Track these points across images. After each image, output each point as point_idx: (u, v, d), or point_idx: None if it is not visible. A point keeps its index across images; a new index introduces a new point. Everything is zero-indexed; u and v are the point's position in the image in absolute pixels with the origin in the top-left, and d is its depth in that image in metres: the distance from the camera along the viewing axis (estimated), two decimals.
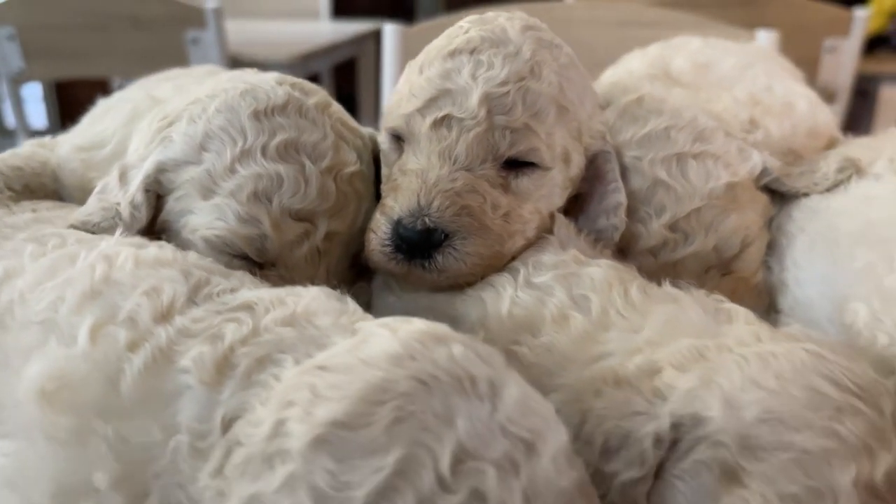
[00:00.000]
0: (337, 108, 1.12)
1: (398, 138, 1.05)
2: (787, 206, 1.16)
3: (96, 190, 1.10)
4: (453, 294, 1.00)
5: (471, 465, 0.60)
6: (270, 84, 1.07)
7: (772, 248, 1.15)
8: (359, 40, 4.05)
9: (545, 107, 1.00)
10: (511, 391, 0.67)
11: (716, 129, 1.15)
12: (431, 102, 1.00)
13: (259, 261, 1.01)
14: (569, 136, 1.05)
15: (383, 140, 1.08)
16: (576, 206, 1.13)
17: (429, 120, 0.99)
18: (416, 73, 1.04)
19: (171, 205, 1.05)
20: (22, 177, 1.16)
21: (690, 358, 0.80)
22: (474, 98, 0.98)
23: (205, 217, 1.01)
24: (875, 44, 4.79)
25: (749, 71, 1.38)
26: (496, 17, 1.06)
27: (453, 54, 1.01)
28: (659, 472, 0.75)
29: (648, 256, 1.09)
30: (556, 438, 0.66)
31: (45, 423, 0.72)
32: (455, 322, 0.92)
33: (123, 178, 1.07)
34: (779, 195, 1.19)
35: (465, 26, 1.05)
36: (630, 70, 1.40)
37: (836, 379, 0.73)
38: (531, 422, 0.65)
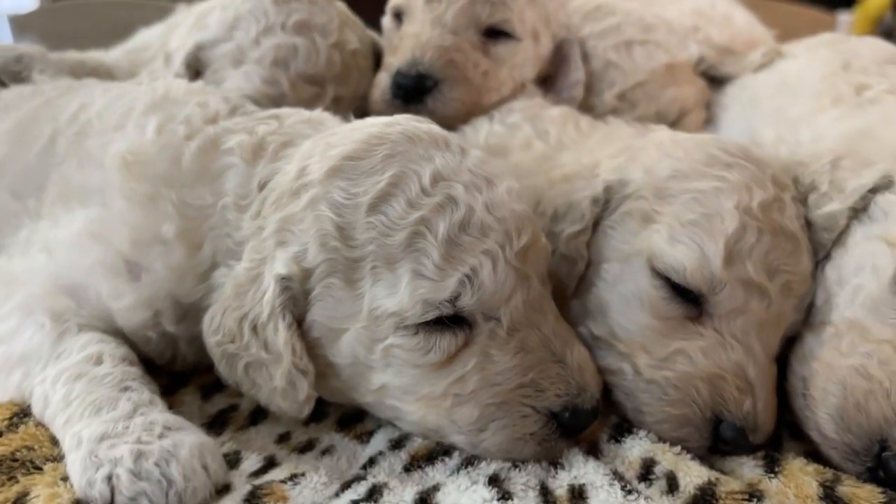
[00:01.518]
0: (342, 4, 1.36)
1: (398, 17, 1.29)
2: (723, 87, 1.39)
3: (143, 74, 1.34)
4: None
5: (445, 183, 0.82)
6: None
7: (710, 121, 1.37)
8: None
9: None
10: (475, 153, 0.90)
11: (660, 24, 1.39)
12: None
13: None
14: (538, 18, 1.29)
15: (386, 21, 1.32)
16: (545, 86, 1.36)
17: None
18: None
19: (208, 77, 1.28)
20: (83, 68, 1.39)
21: (621, 150, 1.03)
22: None
23: (236, 81, 1.24)
24: None
25: None
26: None
27: None
28: (596, 226, 0.96)
29: None
30: (511, 182, 0.89)
31: (125, 188, 0.94)
32: None
33: (168, 60, 1.31)
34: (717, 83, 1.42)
35: None
36: None
37: (729, 150, 0.95)
38: (490, 169, 0.88)
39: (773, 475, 0.81)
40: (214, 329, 0.87)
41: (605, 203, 0.96)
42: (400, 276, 0.79)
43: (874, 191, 0.90)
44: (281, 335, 0.82)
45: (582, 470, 0.80)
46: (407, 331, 0.80)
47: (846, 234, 0.92)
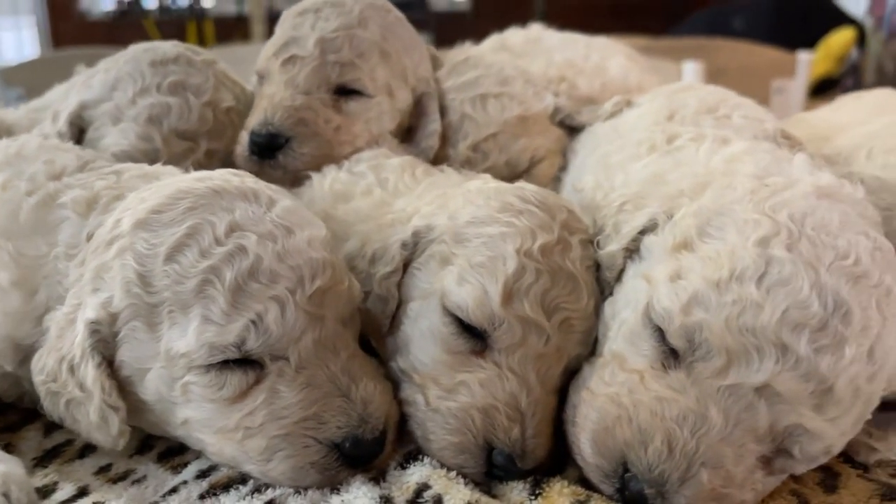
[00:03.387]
0: (223, 66, 1.46)
1: (262, 78, 1.39)
2: (578, 135, 1.48)
3: (34, 131, 1.43)
4: (298, 187, 1.32)
5: (240, 233, 0.91)
6: (168, 45, 1.43)
7: (564, 167, 1.46)
8: None
9: (368, 49, 1.36)
10: (285, 203, 0.98)
11: (518, 77, 1.48)
12: (283, 47, 1.36)
13: None
14: (392, 75, 1.39)
15: (253, 82, 1.42)
16: (409, 136, 1.46)
17: (280, 59, 1.35)
18: (278, 29, 1.40)
19: (91, 134, 1.38)
20: None
21: (437, 198, 1.11)
22: (311, 41, 1.34)
23: (113, 138, 1.34)
24: (826, 86, 5.11)
25: (572, 44, 1.72)
26: None
27: (302, 13, 1.39)
28: (406, 268, 1.04)
29: None
30: (316, 231, 0.97)
31: None
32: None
33: (55, 118, 1.41)
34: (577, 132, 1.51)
35: None
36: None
37: (525, 197, 1.03)
38: (295, 218, 0.96)
39: (534, 497, 0.88)
40: (40, 369, 0.95)
41: (414, 246, 1.04)
42: (191, 321, 0.87)
43: (643, 232, 0.98)
44: (90, 374, 0.90)
45: (353, 494, 0.87)
46: (199, 370, 0.88)
47: (623, 272, 0.99)
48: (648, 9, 8.70)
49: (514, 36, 1.76)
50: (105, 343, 0.91)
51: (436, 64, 1.56)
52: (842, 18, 5.73)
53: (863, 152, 1.20)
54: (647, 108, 1.37)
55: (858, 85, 5.39)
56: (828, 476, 0.95)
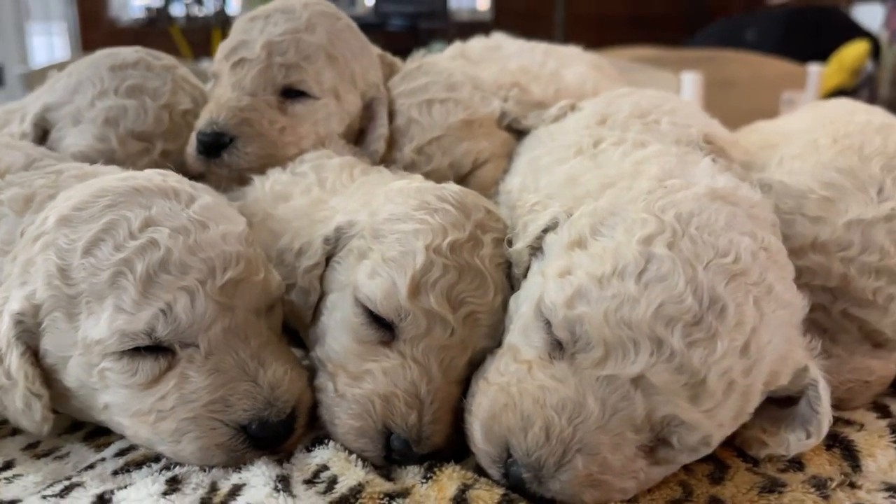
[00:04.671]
0: (184, 71, 1.53)
1: (215, 80, 1.45)
2: (525, 137, 1.52)
3: (3, 132, 1.51)
4: (244, 188, 1.38)
5: (153, 227, 0.96)
6: (129, 50, 1.49)
7: (508, 169, 1.50)
8: None
9: (314, 53, 1.42)
10: (205, 200, 1.03)
11: (465, 83, 1.53)
12: (233, 51, 1.42)
13: None
14: (340, 78, 1.45)
15: (209, 85, 1.49)
16: (361, 139, 1.52)
17: (230, 62, 1.42)
18: (231, 33, 1.47)
19: (54, 135, 1.45)
20: None
21: (364, 195, 1.16)
22: (259, 44, 1.40)
23: (73, 138, 1.41)
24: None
25: (530, 52, 1.77)
26: None
27: (253, 19, 1.45)
28: (328, 261, 1.09)
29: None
30: (232, 227, 1.02)
31: None
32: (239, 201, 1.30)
33: (22, 119, 1.48)
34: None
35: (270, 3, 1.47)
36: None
37: (443, 196, 1.08)
38: (212, 214, 1.01)
39: (426, 480, 0.92)
40: None
41: (336, 241, 1.09)
42: (104, 310, 0.92)
43: (546, 231, 1.02)
44: (14, 363, 0.95)
45: (252, 472, 0.92)
46: (113, 356, 0.93)
47: (529, 269, 1.04)
48: (668, 20, 8.70)
49: (473, 44, 1.81)
50: (29, 333, 0.96)
51: (393, 71, 1.62)
52: (855, 31, 5.72)
53: (776, 158, 1.24)
54: (584, 112, 1.41)
55: (874, 97, 5.38)
56: (717, 468, 0.98)
